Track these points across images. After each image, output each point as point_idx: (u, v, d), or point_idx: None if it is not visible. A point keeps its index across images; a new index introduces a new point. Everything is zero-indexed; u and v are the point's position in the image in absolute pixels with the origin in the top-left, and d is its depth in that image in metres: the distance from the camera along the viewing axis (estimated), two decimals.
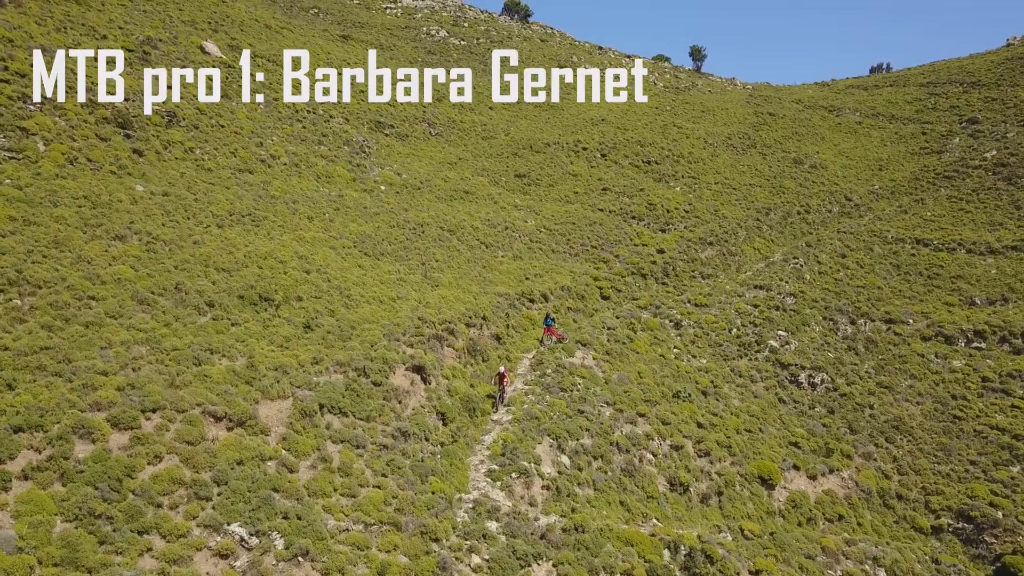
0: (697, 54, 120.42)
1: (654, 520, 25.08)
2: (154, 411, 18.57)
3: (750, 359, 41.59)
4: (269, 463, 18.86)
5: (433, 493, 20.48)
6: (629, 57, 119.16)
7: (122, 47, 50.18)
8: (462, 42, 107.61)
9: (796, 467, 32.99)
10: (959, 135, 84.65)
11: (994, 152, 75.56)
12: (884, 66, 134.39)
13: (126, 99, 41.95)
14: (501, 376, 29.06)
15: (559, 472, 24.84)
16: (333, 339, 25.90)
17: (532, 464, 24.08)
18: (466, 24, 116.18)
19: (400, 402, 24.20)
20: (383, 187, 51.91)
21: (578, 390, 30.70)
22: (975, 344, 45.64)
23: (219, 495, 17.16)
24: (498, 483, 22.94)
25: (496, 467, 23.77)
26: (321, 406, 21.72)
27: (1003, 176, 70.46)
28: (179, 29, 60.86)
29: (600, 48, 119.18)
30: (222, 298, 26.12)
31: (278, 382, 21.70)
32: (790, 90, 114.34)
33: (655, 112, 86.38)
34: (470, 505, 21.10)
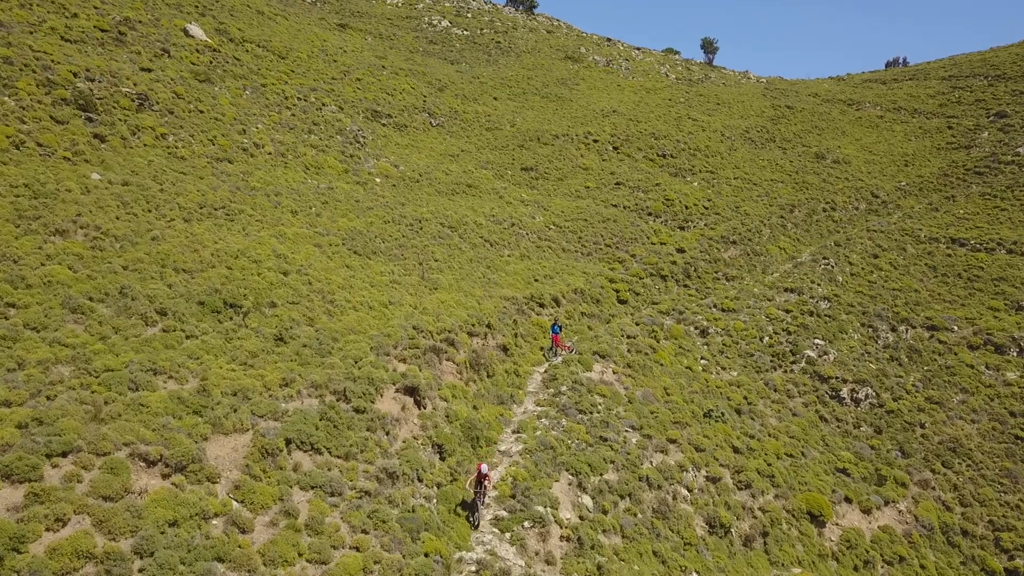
0: (709, 46, 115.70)
1: (695, 574, 20.82)
2: (64, 455, 14.34)
3: (785, 371, 37.30)
4: (214, 522, 14.62)
5: (427, 555, 16.22)
6: (638, 49, 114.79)
7: (95, 27, 46.12)
8: (465, 32, 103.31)
9: (848, 499, 28.72)
10: (988, 129, 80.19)
11: None
12: (901, 60, 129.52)
13: (92, 79, 37.82)
14: (482, 476, 19.68)
15: (580, 517, 20.55)
16: (309, 354, 21.65)
17: (548, 509, 19.79)
18: (469, 15, 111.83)
19: (388, 433, 19.92)
20: (378, 179, 47.64)
21: (599, 412, 26.40)
22: None
23: (141, 572, 12.93)
24: (507, 534, 18.67)
25: (505, 513, 19.49)
26: (288, 441, 17.46)
27: None
28: (162, 11, 56.74)
29: (609, 40, 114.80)
30: (178, 305, 21.86)
31: (235, 411, 17.45)
32: (805, 84, 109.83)
33: (669, 104, 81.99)
34: (473, 568, 16.83)
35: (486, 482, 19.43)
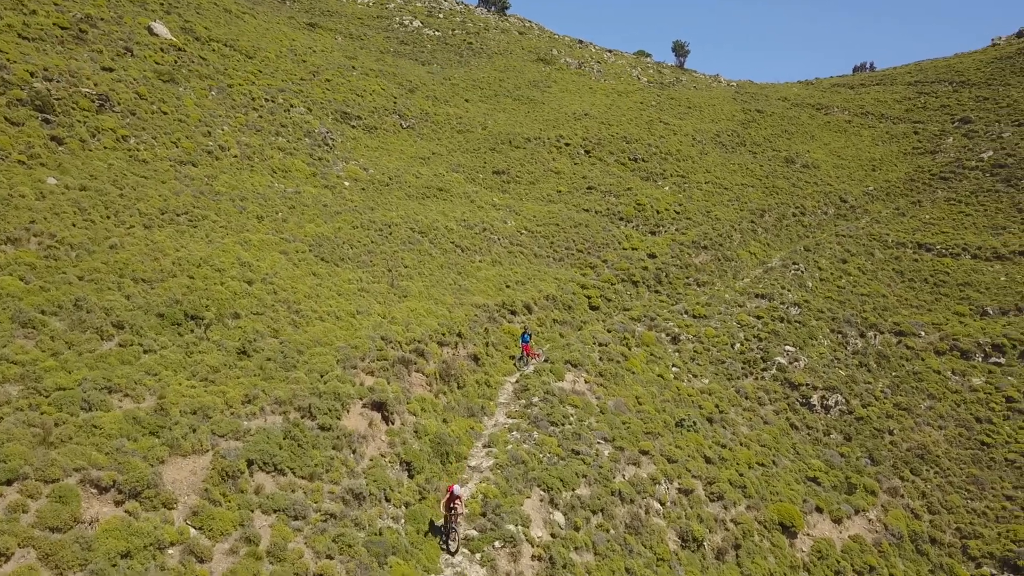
0: (680, 49, 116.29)
1: None
2: (9, 483, 13.61)
3: (756, 378, 37.35)
4: (170, 551, 13.98)
5: None
6: (610, 52, 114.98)
7: (55, 24, 44.73)
8: (436, 33, 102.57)
9: (819, 509, 28.74)
10: (952, 135, 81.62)
11: (990, 153, 72.60)
12: (868, 65, 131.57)
13: (50, 79, 36.62)
14: (454, 497, 18.44)
15: (552, 535, 20.19)
16: (274, 368, 21.01)
17: (519, 527, 19.39)
18: (441, 15, 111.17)
19: (354, 451, 19.36)
20: (347, 183, 46.89)
21: (571, 423, 26.08)
22: (994, 359, 41.96)
23: None
24: (478, 555, 18.23)
25: (475, 532, 19.04)
26: (250, 463, 16.83)
27: (1001, 178, 67.37)
28: (125, 8, 55.24)
29: (581, 42, 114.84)
30: (136, 317, 21.08)
31: (194, 431, 16.79)
32: (775, 88, 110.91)
33: (640, 107, 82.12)
34: None
35: (457, 503, 18.31)
